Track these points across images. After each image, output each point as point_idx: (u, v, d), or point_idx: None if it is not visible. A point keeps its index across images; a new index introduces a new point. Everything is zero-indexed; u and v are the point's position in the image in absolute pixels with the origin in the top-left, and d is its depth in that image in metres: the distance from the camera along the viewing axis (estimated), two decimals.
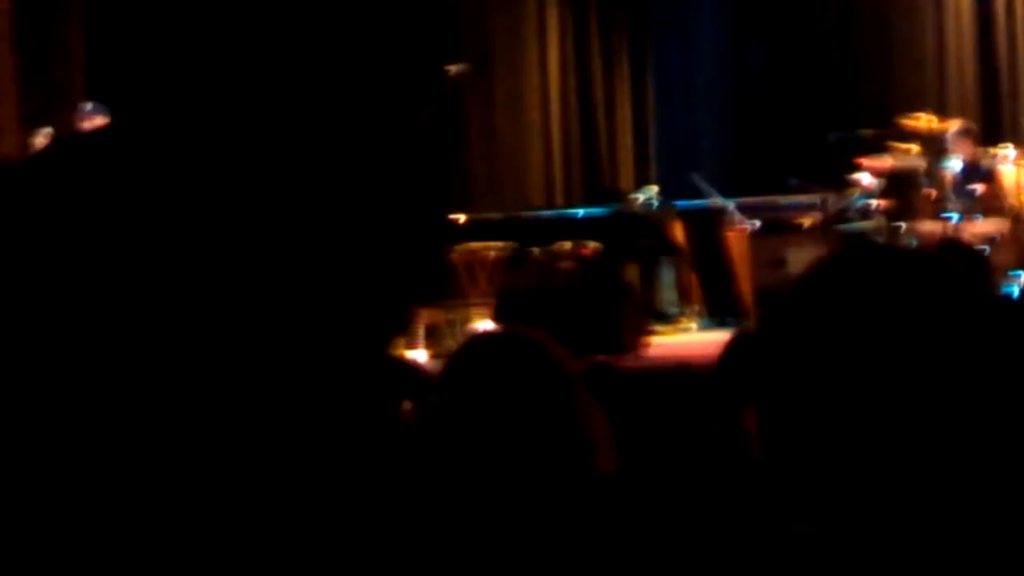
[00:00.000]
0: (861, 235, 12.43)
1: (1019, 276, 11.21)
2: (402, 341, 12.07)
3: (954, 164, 12.37)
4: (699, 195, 13.45)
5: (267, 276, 1.23)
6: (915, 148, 12.20)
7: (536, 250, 12.72)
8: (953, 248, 11.47)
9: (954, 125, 12.65)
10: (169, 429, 1.24)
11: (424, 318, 12.06)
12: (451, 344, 12.06)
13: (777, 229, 13.04)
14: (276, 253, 1.24)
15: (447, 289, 12.77)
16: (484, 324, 11.72)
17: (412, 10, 14.57)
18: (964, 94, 14.50)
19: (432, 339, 11.99)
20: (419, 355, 11.83)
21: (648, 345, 11.11)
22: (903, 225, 12.16)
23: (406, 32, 14.53)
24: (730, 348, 4.07)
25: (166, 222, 1.24)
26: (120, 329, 1.22)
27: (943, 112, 13.41)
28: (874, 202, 12.21)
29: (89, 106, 10.15)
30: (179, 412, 1.23)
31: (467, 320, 12.22)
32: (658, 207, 13.73)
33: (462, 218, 13.29)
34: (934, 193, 12.05)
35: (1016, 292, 11.16)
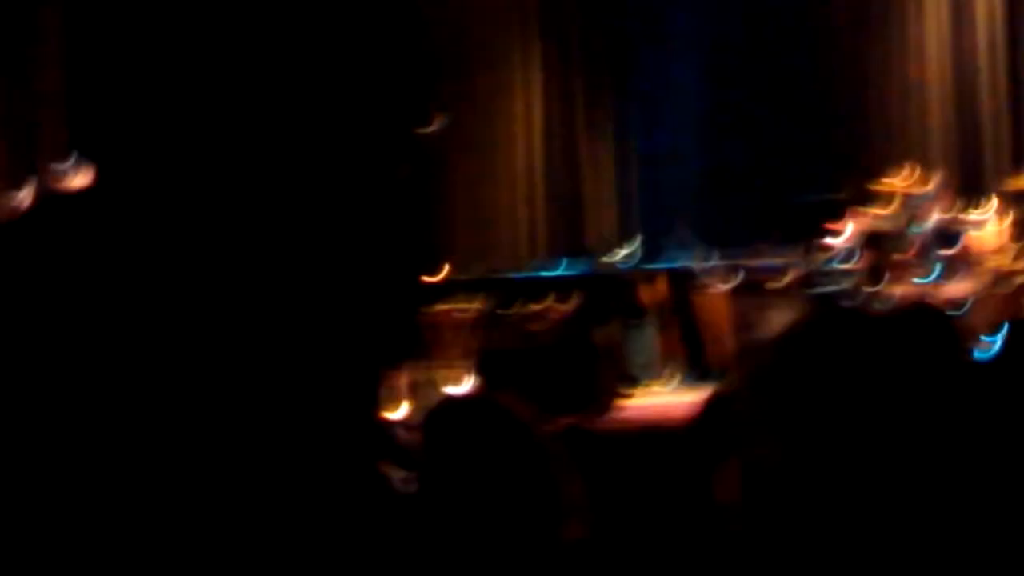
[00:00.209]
0: (834, 297, 12.48)
1: (995, 339, 11.24)
2: (384, 399, 12.11)
3: (928, 225, 12.45)
4: (678, 254, 13.50)
5: (247, 335, 1.24)
6: (889, 209, 12.27)
7: (513, 309, 12.73)
8: (925, 311, 11.56)
9: (931, 183, 12.73)
10: None
11: (393, 379, 12.07)
12: (426, 404, 12.07)
13: (751, 290, 13.09)
14: (255, 313, 1.26)
15: (426, 347, 12.77)
16: (462, 383, 11.72)
17: (391, 67, 14.62)
18: (938, 155, 14.57)
19: (408, 398, 11.99)
20: (402, 410, 11.84)
21: (623, 406, 11.12)
22: (876, 287, 12.22)
23: (385, 87, 14.57)
24: (705, 408, 4.09)
25: (145, 286, 1.25)
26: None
27: (917, 173, 13.48)
28: (848, 264, 12.26)
29: (71, 161, 10.16)
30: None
31: (443, 378, 12.22)
32: (632, 267, 13.78)
33: (434, 278, 13.31)
34: (908, 255, 12.11)
35: (994, 352, 11.18)
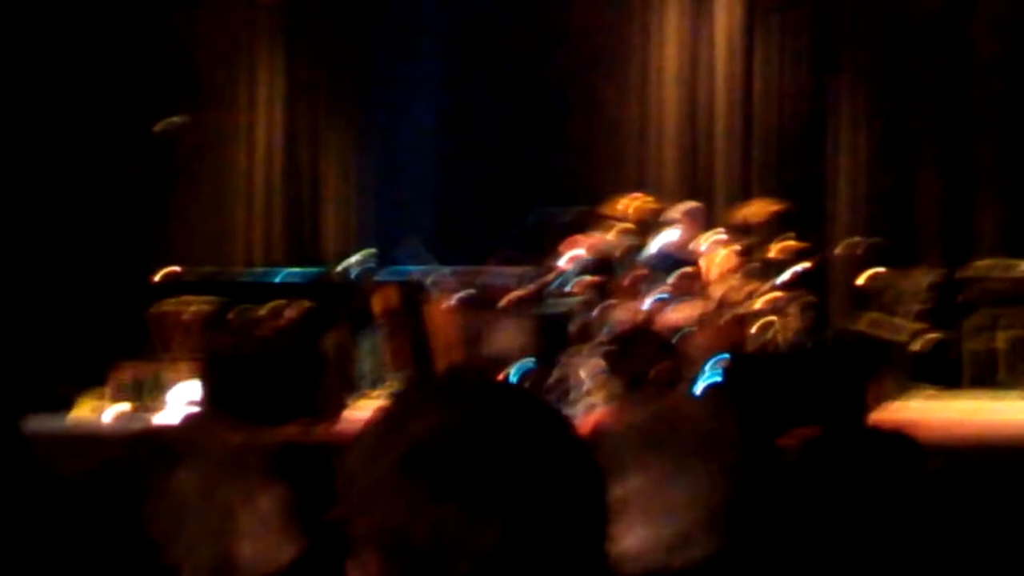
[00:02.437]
0: (562, 315, 12.63)
1: (711, 364, 11.50)
2: (105, 395, 11.86)
3: (656, 248, 12.67)
4: (403, 265, 13.52)
5: None
6: (619, 230, 12.44)
7: (236, 311, 12.60)
8: (646, 334, 11.76)
9: (662, 211, 12.96)
10: None
11: (118, 375, 11.86)
12: (150, 400, 11.87)
13: (478, 305, 13.18)
14: None
15: (148, 344, 12.56)
16: (186, 382, 11.57)
17: (122, 66, 14.37)
18: (667, 180, 14.85)
19: (125, 395, 11.79)
20: (121, 408, 11.63)
21: (348, 415, 11.09)
22: (602, 309, 12.40)
23: (117, 86, 14.32)
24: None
25: None
26: None
27: (646, 198, 13.72)
28: (574, 284, 12.41)
29: None
30: None
31: (161, 378, 12.05)
32: (361, 274, 13.76)
33: (162, 274, 13.11)
34: (634, 276, 12.29)
35: (716, 378, 11.44)
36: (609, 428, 1.71)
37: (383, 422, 1.53)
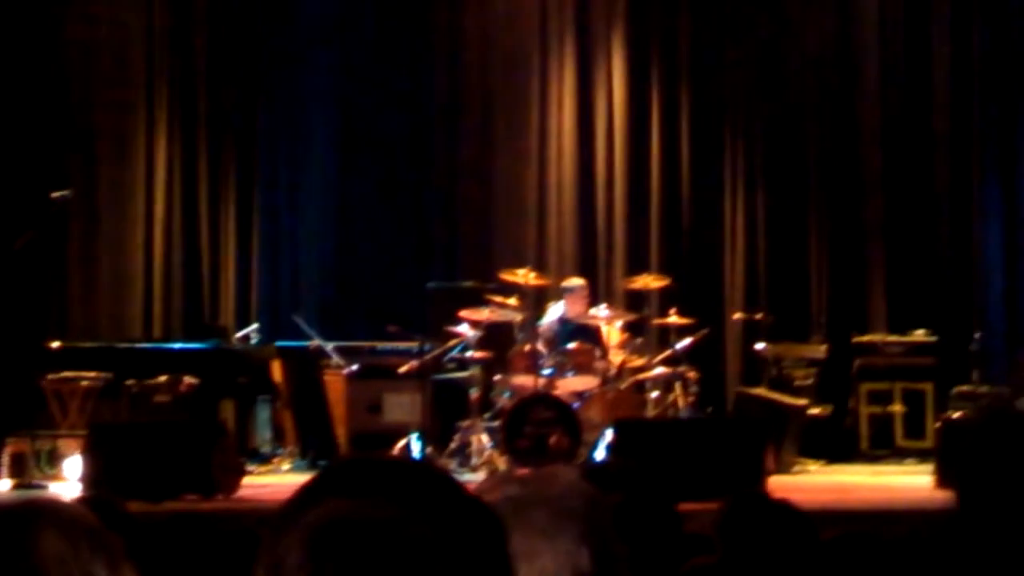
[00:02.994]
0: (456, 384, 12.63)
1: (605, 434, 11.53)
2: None
3: (550, 320, 12.73)
4: (299, 336, 13.47)
5: None
6: (514, 302, 12.48)
7: (131, 382, 12.49)
8: (545, 400, 11.81)
9: (570, 281, 13.03)
10: None
11: (10, 447, 11.70)
12: (36, 475, 11.72)
13: (375, 374, 13.16)
14: None
15: (35, 418, 12.40)
16: (74, 456, 11.43)
17: (18, 134, 14.27)
18: (564, 252, 14.93)
19: (17, 468, 11.63)
20: (2, 485, 11.45)
21: (241, 485, 11.00)
22: (498, 377, 12.42)
23: (10, 156, 14.21)
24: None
25: None
26: None
27: (543, 268, 13.79)
28: (471, 353, 12.43)
29: None
30: None
31: (55, 450, 11.89)
32: (257, 345, 13.69)
33: (55, 345, 12.98)
34: (529, 347, 12.34)
35: (603, 448, 11.47)
36: (483, 497, 1.71)
37: (289, 504, 1.56)
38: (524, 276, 12.57)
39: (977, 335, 13.67)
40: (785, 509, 4.14)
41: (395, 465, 1.58)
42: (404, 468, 1.57)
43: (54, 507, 2.12)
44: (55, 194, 12.81)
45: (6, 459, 11.63)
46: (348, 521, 1.49)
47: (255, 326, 13.91)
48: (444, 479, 1.55)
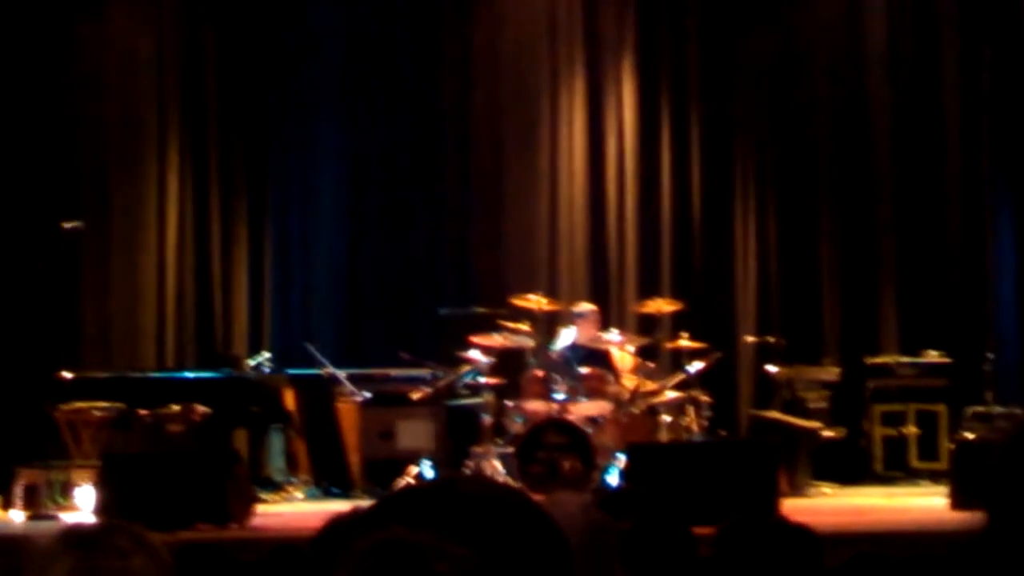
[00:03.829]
0: (469, 410, 12.62)
1: (618, 458, 11.51)
2: (11, 498, 11.66)
3: (563, 345, 12.72)
4: (312, 364, 13.45)
5: None
6: (526, 327, 12.47)
7: (144, 412, 12.49)
8: (557, 426, 11.80)
9: (581, 306, 13.02)
10: None
11: (23, 477, 11.69)
12: (50, 505, 11.70)
13: (387, 401, 13.14)
14: None
15: (49, 448, 12.40)
16: (87, 487, 11.42)
17: (30, 165, 14.31)
18: (575, 276, 14.92)
19: (30, 499, 11.61)
20: (16, 516, 11.44)
21: (254, 513, 10.99)
22: (510, 403, 12.39)
23: (23, 186, 14.25)
24: (325, 529, 4.03)
25: None
26: None
27: (555, 293, 13.78)
28: (483, 379, 12.41)
29: None
30: None
31: (68, 481, 11.88)
32: (270, 373, 13.68)
33: (68, 375, 12.98)
34: (542, 373, 12.32)
35: (616, 473, 11.46)
36: None
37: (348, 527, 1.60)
38: (536, 301, 12.57)
39: (990, 355, 13.65)
40: (784, 528, 4.12)
41: (467, 493, 1.58)
42: (480, 496, 1.57)
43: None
44: (67, 224, 12.84)
45: (19, 490, 11.61)
46: (407, 544, 1.49)
47: (267, 354, 13.90)
48: (520, 504, 1.56)
